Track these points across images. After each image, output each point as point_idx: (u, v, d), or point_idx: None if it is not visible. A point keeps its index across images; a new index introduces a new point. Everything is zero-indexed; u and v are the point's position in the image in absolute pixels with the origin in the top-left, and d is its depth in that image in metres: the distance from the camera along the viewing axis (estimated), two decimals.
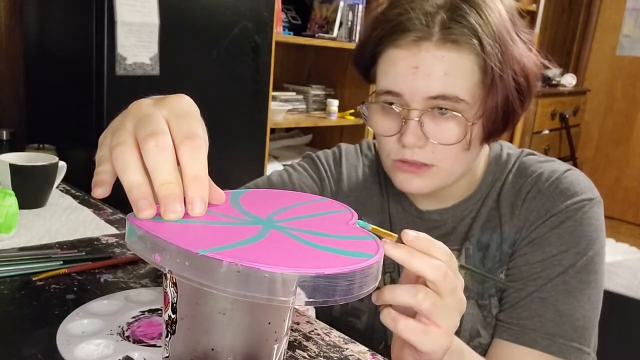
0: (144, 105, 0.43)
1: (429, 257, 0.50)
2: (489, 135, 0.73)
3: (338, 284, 0.34)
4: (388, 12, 0.72)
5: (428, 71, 0.68)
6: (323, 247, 0.38)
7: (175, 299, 0.38)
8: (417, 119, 0.69)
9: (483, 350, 0.76)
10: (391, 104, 0.72)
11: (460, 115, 0.69)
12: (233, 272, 0.32)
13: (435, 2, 0.69)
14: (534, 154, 0.82)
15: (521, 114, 0.74)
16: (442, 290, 0.51)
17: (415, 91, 0.69)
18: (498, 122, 0.71)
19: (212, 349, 0.39)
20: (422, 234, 0.51)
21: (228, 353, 0.39)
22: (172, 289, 0.38)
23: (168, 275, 0.39)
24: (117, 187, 0.42)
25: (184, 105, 0.43)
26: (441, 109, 0.69)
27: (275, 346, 0.41)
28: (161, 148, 0.39)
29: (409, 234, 0.50)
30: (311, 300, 0.33)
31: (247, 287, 0.32)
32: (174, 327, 0.39)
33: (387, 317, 0.52)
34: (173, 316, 0.39)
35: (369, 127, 0.78)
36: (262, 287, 0.32)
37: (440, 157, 0.71)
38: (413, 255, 0.49)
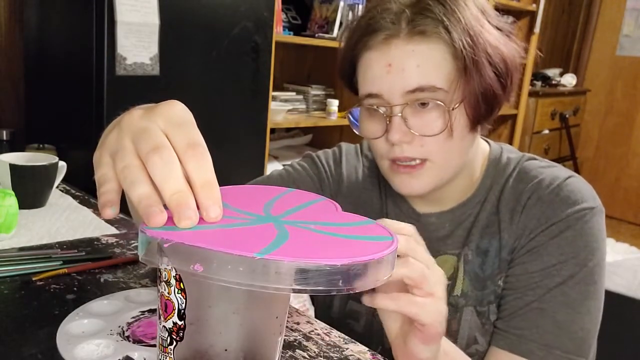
0: (136, 117, 0.41)
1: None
2: (475, 120, 0.72)
3: (375, 267, 0.36)
4: (360, 20, 0.74)
5: (401, 66, 0.69)
6: (345, 235, 0.39)
7: (183, 305, 0.38)
8: (400, 114, 0.70)
9: (480, 358, 0.75)
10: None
11: (441, 103, 0.70)
12: (292, 271, 0.33)
13: (400, 2, 0.71)
14: (535, 159, 0.80)
15: (505, 98, 0.74)
16: (424, 261, 0.54)
17: (393, 88, 0.70)
18: (480, 106, 0.71)
19: (226, 350, 0.38)
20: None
21: (239, 352, 0.39)
22: (179, 295, 0.38)
23: (173, 282, 0.38)
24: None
25: (178, 113, 0.41)
26: (422, 102, 0.70)
27: (279, 339, 0.42)
28: (166, 161, 0.38)
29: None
30: (356, 286, 0.35)
31: (307, 282, 0.33)
32: (181, 334, 0.38)
33: (386, 299, 0.54)
34: (180, 323, 0.38)
35: (360, 135, 0.79)
36: (321, 280, 0.33)
37: (430, 150, 0.72)
38: None
